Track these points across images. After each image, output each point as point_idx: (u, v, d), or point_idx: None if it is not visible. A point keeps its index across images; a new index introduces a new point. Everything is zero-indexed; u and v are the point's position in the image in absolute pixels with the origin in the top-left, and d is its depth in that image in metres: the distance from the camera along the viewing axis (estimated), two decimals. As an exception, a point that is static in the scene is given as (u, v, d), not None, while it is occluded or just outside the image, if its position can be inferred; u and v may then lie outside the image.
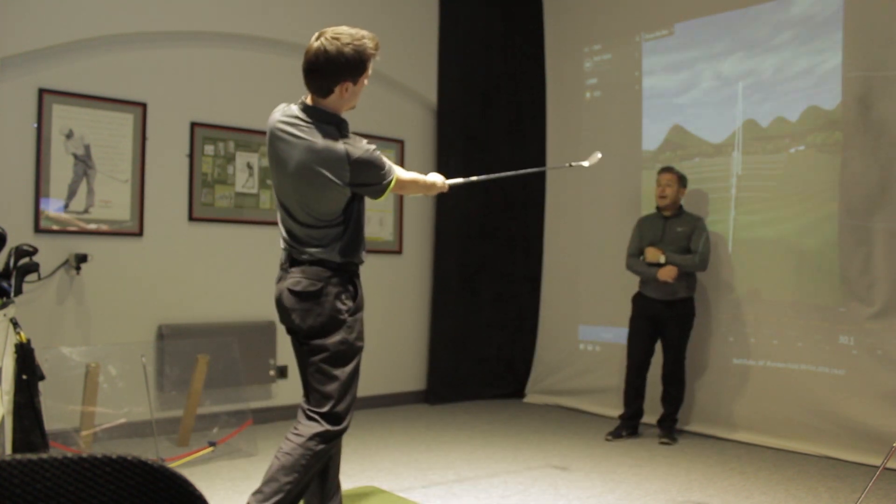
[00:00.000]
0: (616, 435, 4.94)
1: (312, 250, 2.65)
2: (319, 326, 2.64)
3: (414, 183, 2.91)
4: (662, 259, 4.81)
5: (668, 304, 4.85)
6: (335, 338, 2.64)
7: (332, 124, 2.63)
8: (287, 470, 2.57)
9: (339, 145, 2.60)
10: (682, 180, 4.95)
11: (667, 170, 4.98)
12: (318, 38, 2.59)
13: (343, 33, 2.58)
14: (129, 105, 4.76)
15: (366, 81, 2.70)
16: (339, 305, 2.65)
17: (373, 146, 2.67)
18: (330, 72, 2.58)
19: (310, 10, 5.41)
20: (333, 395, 2.64)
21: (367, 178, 2.66)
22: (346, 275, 2.70)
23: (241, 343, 4.77)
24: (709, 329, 5.14)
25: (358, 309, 2.74)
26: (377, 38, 2.66)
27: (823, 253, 4.73)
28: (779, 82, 4.99)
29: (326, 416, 2.64)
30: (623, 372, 5.08)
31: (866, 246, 4.53)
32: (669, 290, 4.82)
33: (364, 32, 2.63)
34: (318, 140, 2.59)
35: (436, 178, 3.01)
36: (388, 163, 2.73)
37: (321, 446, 2.63)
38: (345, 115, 2.71)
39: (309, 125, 2.62)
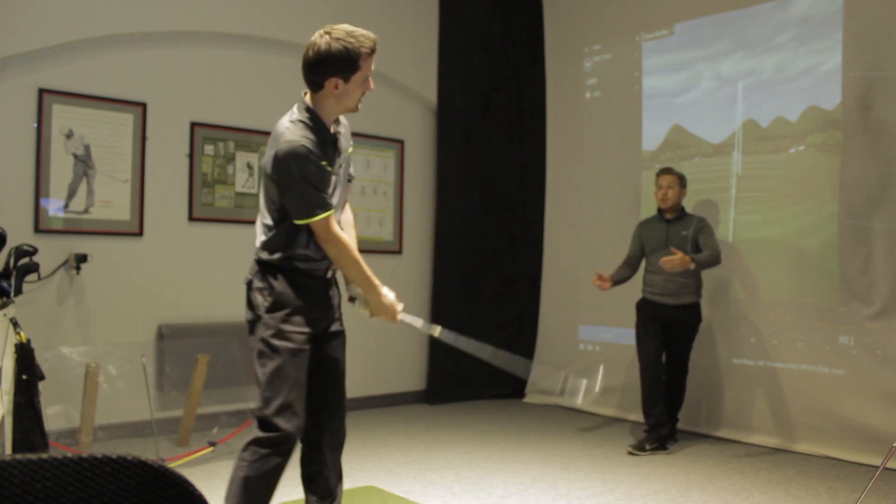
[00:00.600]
0: (639, 448, 4.55)
1: (255, 245, 2.65)
2: (248, 323, 2.64)
3: (357, 265, 2.54)
4: (693, 266, 4.55)
5: (676, 309, 4.70)
6: (254, 335, 2.59)
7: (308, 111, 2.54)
8: (230, 482, 2.51)
9: (285, 122, 2.49)
10: (682, 181, 4.86)
11: (666, 171, 4.87)
12: (317, 33, 2.58)
13: (338, 29, 2.52)
14: (129, 105, 4.76)
15: (371, 84, 2.59)
16: (259, 301, 2.60)
17: (313, 147, 2.42)
18: (318, 65, 2.51)
19: (310, 11, 5.40)
20: (259, 399, 2.54)
21: (286, 176, 2.41)
22: (272, 271, 2.60)
23: (241, 343, 4.77)
24: (709, 329, 5.13)
25: (280, 307, 2.56)
26: (375, 40, 2.57)
27: (823, 253, 4.73)
28: (779, 82, 4.99)
29: (258, 422, 2.55)
30: (624, 373, 5.07)
31: (866, 246, 4.53)
32: (677, 295, 4.68)
33: (364, 32, 2.55)
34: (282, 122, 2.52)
35: (387, 295, 2.62)
36: (334, 219, 2.49)
37: (258, 453, 2.48)
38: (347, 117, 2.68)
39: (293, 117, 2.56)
